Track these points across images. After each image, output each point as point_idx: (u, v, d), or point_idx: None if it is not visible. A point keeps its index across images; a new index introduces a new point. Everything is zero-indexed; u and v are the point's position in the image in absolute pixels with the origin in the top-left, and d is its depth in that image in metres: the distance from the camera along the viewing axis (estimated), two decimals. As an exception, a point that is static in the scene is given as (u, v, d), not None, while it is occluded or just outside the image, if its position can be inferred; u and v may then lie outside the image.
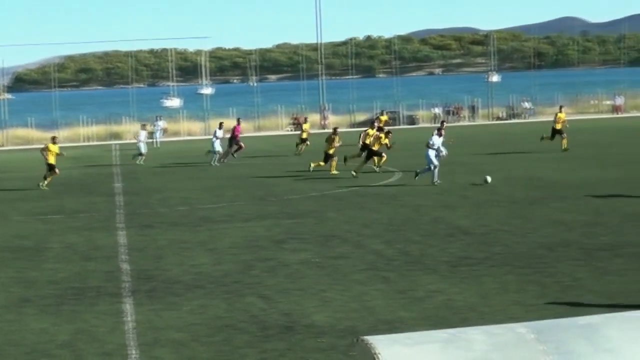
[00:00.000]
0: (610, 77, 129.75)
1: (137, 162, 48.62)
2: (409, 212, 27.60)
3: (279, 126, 78.35)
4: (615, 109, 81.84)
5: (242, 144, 48.45)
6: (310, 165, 39.42)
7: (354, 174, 37.19)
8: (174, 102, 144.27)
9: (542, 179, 33.97)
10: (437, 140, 34.34)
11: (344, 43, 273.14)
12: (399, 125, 73.97)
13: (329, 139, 39.72)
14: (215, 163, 46.05)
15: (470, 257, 20.29)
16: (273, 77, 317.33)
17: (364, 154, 39.30)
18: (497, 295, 16.82)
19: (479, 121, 77.74)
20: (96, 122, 78.46)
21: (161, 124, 67.81)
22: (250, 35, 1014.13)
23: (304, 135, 50.91)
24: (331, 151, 39.18)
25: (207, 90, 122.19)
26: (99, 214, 30.49)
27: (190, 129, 77.78)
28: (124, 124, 78.86)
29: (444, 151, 37.04)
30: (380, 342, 7.06)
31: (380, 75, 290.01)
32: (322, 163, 39.20)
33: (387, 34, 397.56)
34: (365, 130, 41.02)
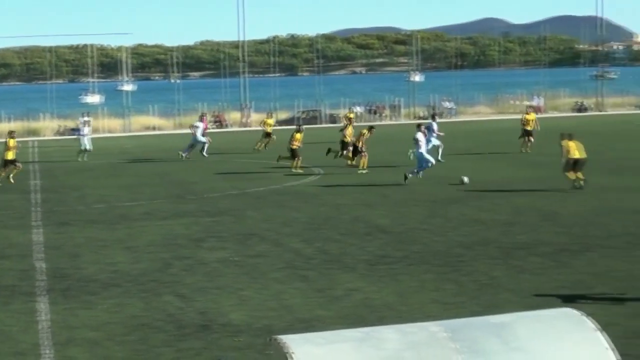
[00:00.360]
0: (531, 78, 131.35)
1: (80, 159, 47.91)
2: (329, 210, 27.60)
3: (200, 124, 77.77)
4: (535, 109, 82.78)
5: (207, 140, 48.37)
6: (294, 169, 38.74)
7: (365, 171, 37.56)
8: (94, 99, 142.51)
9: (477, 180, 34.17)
10: (421, 137, 34.27)
11: (267, 41, 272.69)
12: (320, 124, 74.09)
13: (292, 136, 39.79)
14: (205, 154, 46.46)
15: (389, 256, 20.35)
16: (195, 74, 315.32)
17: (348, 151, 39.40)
18: (414, 294, 16.89)
19: (402, 120, 78.11)
20: (14, 118, 77.21)
21: (87, 119, 67.11)
22: (172, 32, 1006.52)
23: (269, 130, 51.12)
24: (294, 147, 39.05)
25: (128, 87, 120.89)
26: (14, 211, 29.97)
27: (110, 126, 76.92)
28: (42, 120, 77.75)
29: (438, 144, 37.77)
30: (293, 341, 7.03)
31: (303, 74, 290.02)
32: (295, 162, 38.98)
33: (311, 33, 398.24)
34: (346, 126, 41.90)
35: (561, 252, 20.23)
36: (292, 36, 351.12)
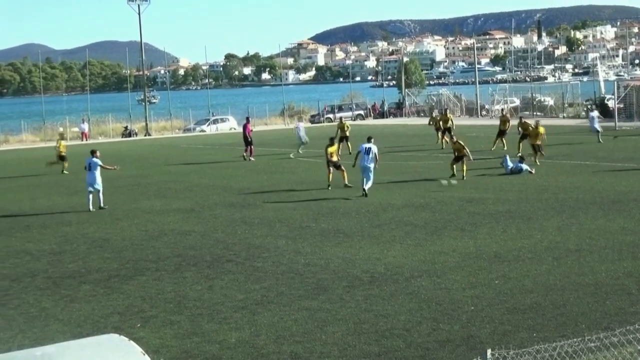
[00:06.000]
0: (77, 105, 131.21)
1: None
2: None
3: None
4: (83, 135, 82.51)
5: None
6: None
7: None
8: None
9: (6, 209, 33.23)
10: None
11: None
12: None
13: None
14: None
15: None
16: None
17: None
18: (-40, 333, 16.08)
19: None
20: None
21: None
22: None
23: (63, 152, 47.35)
24: (334, 158, 35.05)
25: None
26: None
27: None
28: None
29: None
30: None
31: None
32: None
33: None
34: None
35: (112, 278, 20.21)
36: None
